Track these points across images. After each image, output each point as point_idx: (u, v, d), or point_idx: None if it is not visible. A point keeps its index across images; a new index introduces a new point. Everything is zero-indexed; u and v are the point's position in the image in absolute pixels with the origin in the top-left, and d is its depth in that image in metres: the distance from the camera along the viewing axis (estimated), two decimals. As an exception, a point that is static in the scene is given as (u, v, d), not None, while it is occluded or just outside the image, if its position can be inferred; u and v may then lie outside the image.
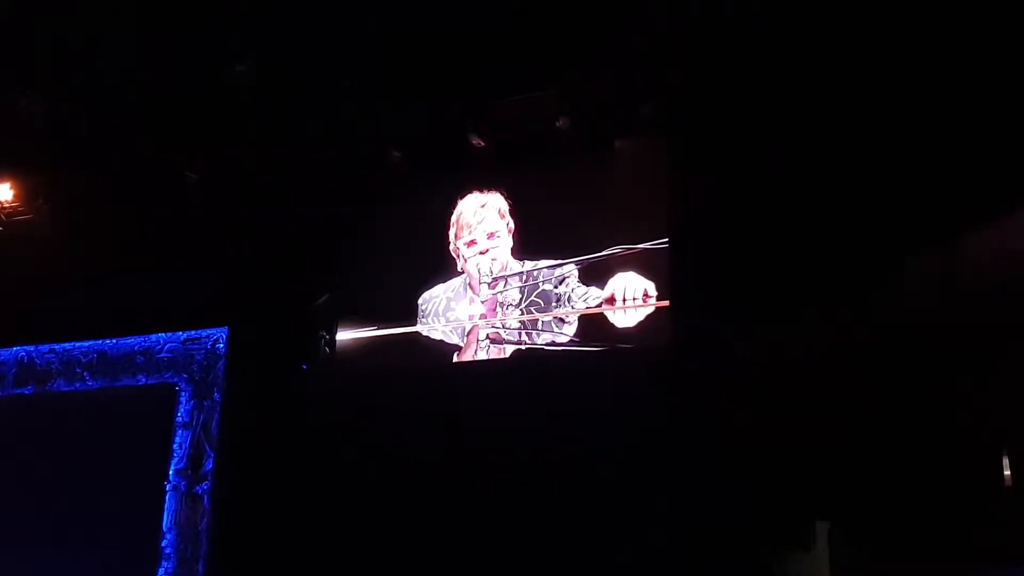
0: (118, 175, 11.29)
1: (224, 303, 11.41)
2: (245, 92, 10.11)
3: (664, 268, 9.68)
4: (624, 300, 9.75)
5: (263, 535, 10.51)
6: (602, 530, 9.20)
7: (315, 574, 10.30)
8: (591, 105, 10.00)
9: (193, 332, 11.65)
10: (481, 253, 10.58)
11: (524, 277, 10.34)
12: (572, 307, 9.98)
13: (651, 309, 9.67)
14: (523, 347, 10.25)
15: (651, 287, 9.69)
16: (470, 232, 10.67)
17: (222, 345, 11.45)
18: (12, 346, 12.50)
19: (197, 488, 11.10)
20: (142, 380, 11.81)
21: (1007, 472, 8.13)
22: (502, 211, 10.57)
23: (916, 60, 8.46)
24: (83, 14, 9.27)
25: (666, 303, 9.61)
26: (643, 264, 9.76)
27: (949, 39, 8.27)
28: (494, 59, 9.52)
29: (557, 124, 10.08)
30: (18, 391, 12.36)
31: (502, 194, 10.62)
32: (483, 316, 10.48)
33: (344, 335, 11.00)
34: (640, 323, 9.72)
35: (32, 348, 12.41)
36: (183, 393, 11.48)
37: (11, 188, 11.58)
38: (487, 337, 10.43)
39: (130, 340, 11.95)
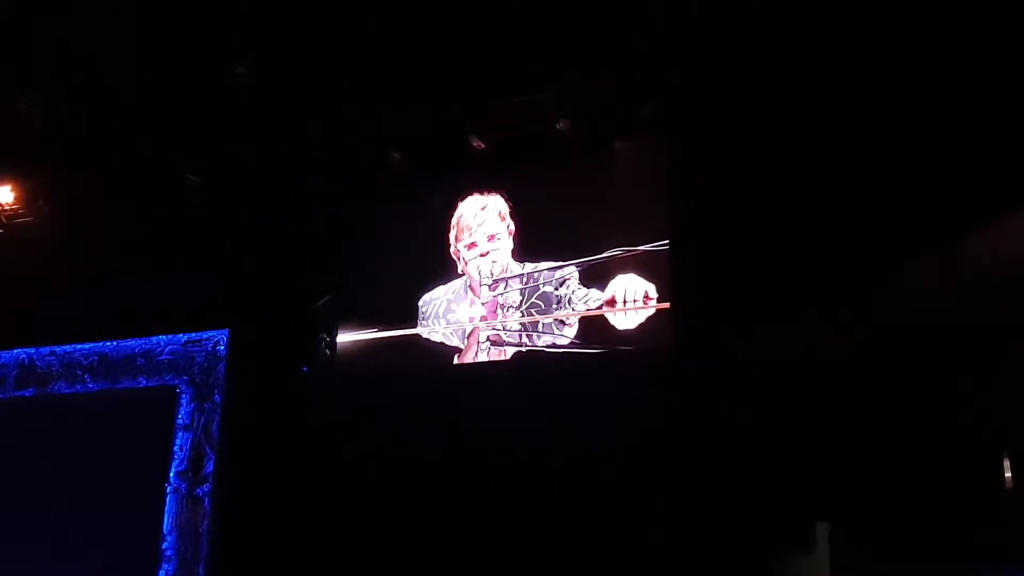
0: (118, 177, 11.31)
1: (225, 305, 11.41)
2: (245, 93, 10.10)
3: (664, 270, 9.68)
4: (624, 302, 9.74)
5: (264, 537, 10.49)
6: (603, 532, 9.18)
7: (315, 576, 10.31)
8: (591, 106, 10.02)
9: (194, 334, 11.65)
10: (481, 255, 10.58)
11: (524, 279, 10.33)
12: (573, 309, 9.97)
13: (651, 311, 9.66)
14: (523, 349, 10.24)
15: (651, 289, 9.69)
16: (470, 234, 10.67)
17: (223, 347, 11.45)
18: (13, 348, 12.52)
19: (198, 490, 11.10)
20: (143, 382, 11.82)
21: (1008, 473, 8.12)
22: (502, 213, 10.57)
23: (916, 60, 8.46)
24: (83, 15, 9.27)
25: (666, 305, 9.60)
26: (643, 266, 9.76)
27: (949, 39, 8.27)
28: (494, 60, 9.52)
29: (557, 126, 10.08)
30: (19, 393, 12.38)
31: (502, 196, 10.62)
32: (483, 318, 10.48)
33: (344, 337, 11.00)
34: (640, 325, 9.73)
35: (33, 350, 12.43)
36: (184, 395, 11.49)
37: (12, 190, 11.61)
38: (487, 339, 10.42)
39: (131, 342, 11.96)
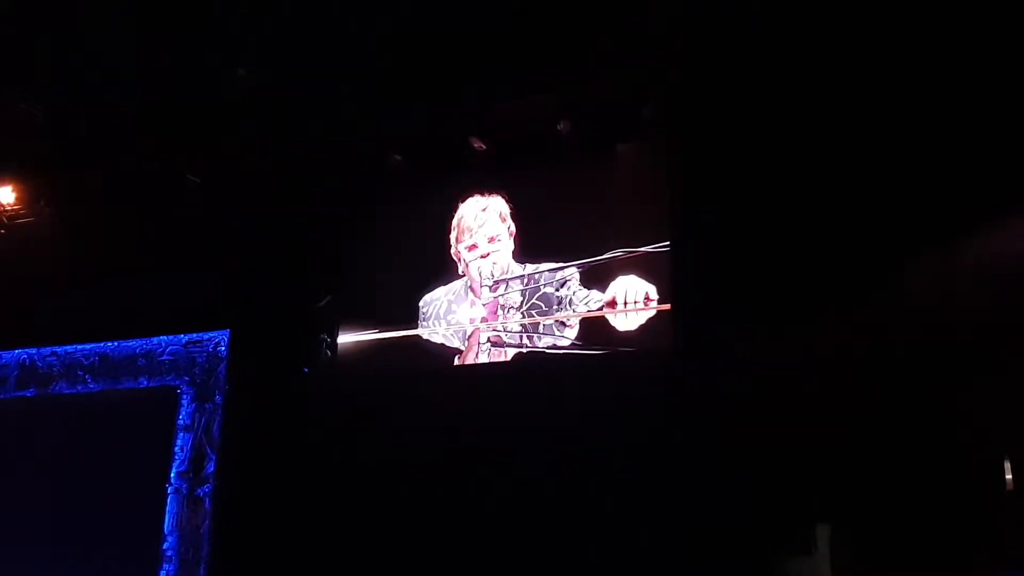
0: (119, 177, 11.32)
1: (226, 306, 11.42)
2: (246, 94, 10.11)
3: (665, 271, 9.67)
4: (625, 303, 9.73)
5: (264, 538, 10.49)
6: (604, 533, 9.18)
7: (316, 576, 10.31)
8: (592, 107, 10.00)
9: (195, 335, 11.66)
10: (482, 257, 10.57)
11: (525, 280, 10.32)
12: (573, 310, 9.96)
13: (652, 312, 9.66)
14: (524, 350, 10.23)
15: (652, 290, 9.67)
16: (471, 236, 10.66)
17: (224, 348, 11.46)
18: (14, 348, 12.52)
19: (198, 491, 11.10)
20: (144, 383, 11.82)
21: (1008, 475, 8.11)
22: (503, 214, 10.55)
23: (916, 61, 8.46)
24: (84, 16, 9.26)
25: (667, 306, 9.59)
26: (644, 267, 9.74)
27: (949, 39, 8.26)
28: (495, 61, 9.51)
29: (558, 127, 10.08)
30: (20, 394, 12.38)
31: (503, 197, 10.61)
32: (484, 319, 10.47)
33: (345, 338, 10.99)
34: (641, 326, 9.70)
35: (34, 351, 12.43)
36: (184, 396, 11.49)
37: (13, 191, 11.62)
38: (488, 340, 10.41)
39: (132, 343, 11.96)
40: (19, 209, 11.68)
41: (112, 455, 11.56)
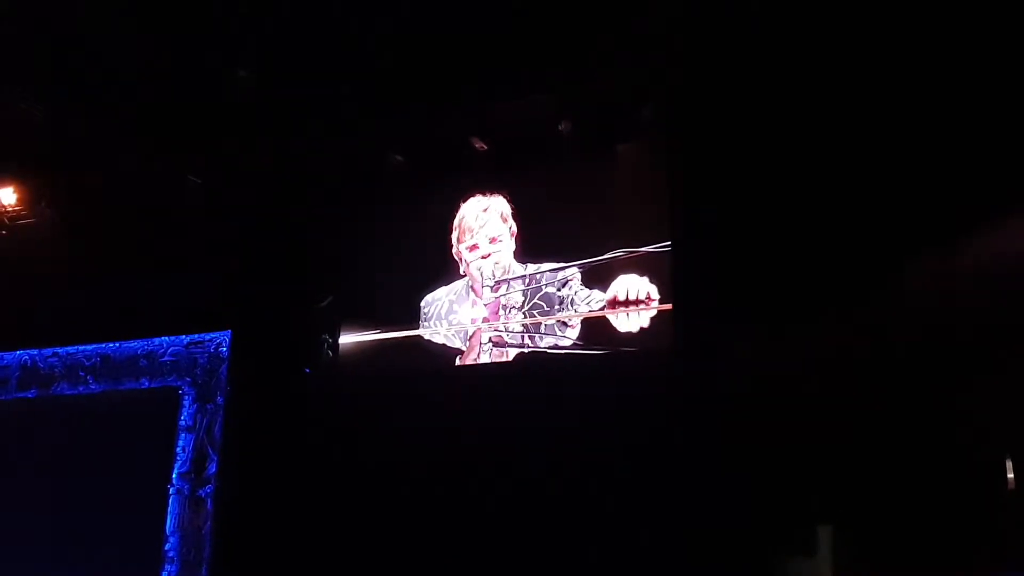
0: (120, 178, 11.32)
1: (227, 307, 11.42)
2: (247, 95, 10.11)
3: (666, 271, 9.66)
4: (627, 301, 9.71)
5: (266, 538, 10.48)
6: (605, 534, 9.17)
7: (318, 577, 10.31)
8: (592, 108, 9.99)
9: (196, 336, 11.66)
10: (483, 257, 10.56)
11: (527, 280, 10.32)
12: (575, 310, 9.95)
13: (654, 312, 9.64)
14: (526, 350, 10.22)
15: (653, 289, 9.66)
16: (472, 236, 10.66)
17: (225, 348, 11.46)
18: (15, 350, 12.53)
19: (200, 491, 11.10)
20: (145, 383, 11.83)
21: (1010, 475, 8.09)
22: (504, 215, 10.55)
23: (916, 61, 8.45)
24: (84, 16, 9.27)
25: (668, 306, 9.57)
26: (645, 267, 9.73)
27: (949, 39, 8.25)
28: (495, 61, 9.51)
29: (559, 127, 10.08)
30: (21, 395, 12.39)
31: (504, 197, 10.61)
32: (486, 319, 10.46)
33: (346, 338, 10.99)
34: (643, 326, 9.69)
35: (35, 352, 12.43)
36: (186, 396, 11.49)
37: (14, 192, 11.63)
38: (490, 340, 10.41)
39: (133, 344, 11.96)
40: (20, 210, 11.69)
41: (114, 456, 11.57)
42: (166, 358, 11.72)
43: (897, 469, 8.21)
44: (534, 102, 10.05)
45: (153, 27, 9.40)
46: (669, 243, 9.65)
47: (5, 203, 11.63)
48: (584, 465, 9.39)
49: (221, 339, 11.51)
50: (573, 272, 10.05)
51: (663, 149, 9.95)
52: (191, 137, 10.67)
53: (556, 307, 10.09)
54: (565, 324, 10.02)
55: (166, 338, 11.78)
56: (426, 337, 10.69)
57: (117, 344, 12.04)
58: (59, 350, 12.30)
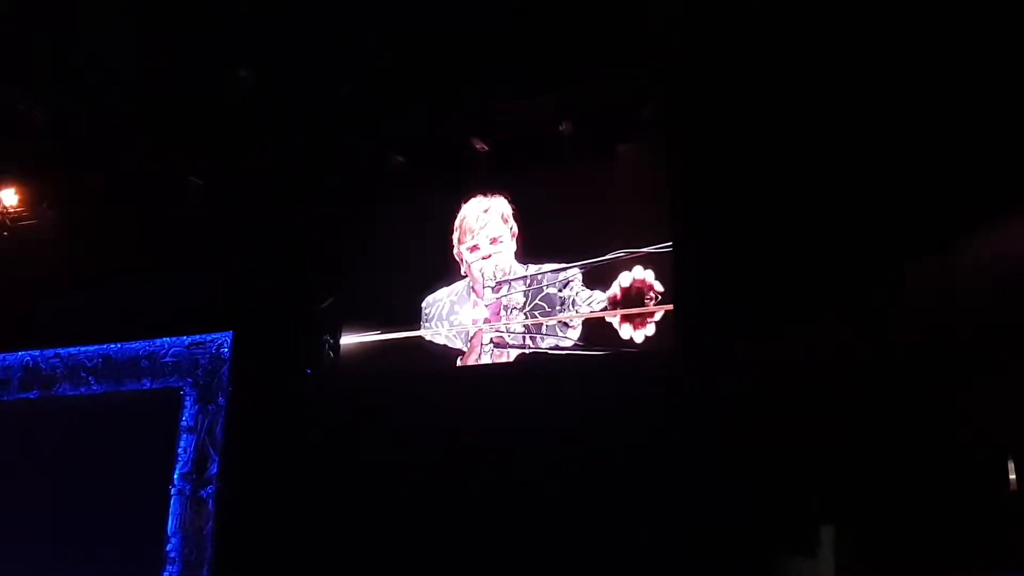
0: (121, 179, 11.32)
1: (228, 307, 11.41)
2: (248, 95, 10.12)
3: (667, 271, 9.65)
4: (631, 288, 9.69)
5: (268, 539, 10.48)
6: (606, 534, 9.17)
7: (319, 578, 10.30)
8: (593, 108, 10.00)
9: (198, 336, 11.64)
10: (484, 258, 10.56)
11: (528, 281, 10.31)
12: (576, 311, 9.95)
13: (658, 318, 9.63)
14: (527, 351, 10.22)
15: (657, 283, 9.65)
16: (473, 237, 10.66)
17: (227, 349, 11.45)
18: (17, 351, 12.52)
19: (202, 492, 11.09)
20: (147, 384, 11.82)
21: (1012, 475, 8.08)
22: (505, 215, 10.54)
23: (916, 61, 8.45)
24: (84, 16, 9.28)
25: (669, 306, 9.57)
26: (647, 267, 9.73)
27: (949, 40, 8.25)
28: (496, 62, 9.51)
29: (560, 128, 10.08)
30: (23, 395, 12.37)
31: (505, 197, 10.60)
32: (487, 320, 10.46)
33: (348, 339, 10.99)
34: (647, 336, 9.67)
35: (37, 353, 12.42)
36: (188, 397, 11.48)
37: (16, 193, 11.62)
38: (491, 341, 10.40)
39: (135, 344, 11.96)
40: (22, 211, 11.69)
41: (115, 457, 11.56)
42: (168, 359, 11.72)
43: (898, 469, 8.21)
44: (535, 102, 10.06)
45: (153, 27, 9.41)
46: (670, 243, 9.65)
47: (7, 204, 11.64)
48: (585, 465, 9.39)
49: (223, 340, 11.50)
50: (574, 273, 10.05)
51: (664, 149, 9.96)
52: (191, 137, 10.68)
53: (557, 308, 10.09)
54: (566, 325, 10.02)
55: (168, 339, 11.77)
56: (427, 338, 10.69)
57: (119, 345, 12.03)
58: (61, 351, 12.30)
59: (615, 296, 9.79)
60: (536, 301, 10.21)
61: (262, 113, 10.40)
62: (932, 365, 8.19)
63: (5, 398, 12.42)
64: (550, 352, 10.09)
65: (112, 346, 12.06)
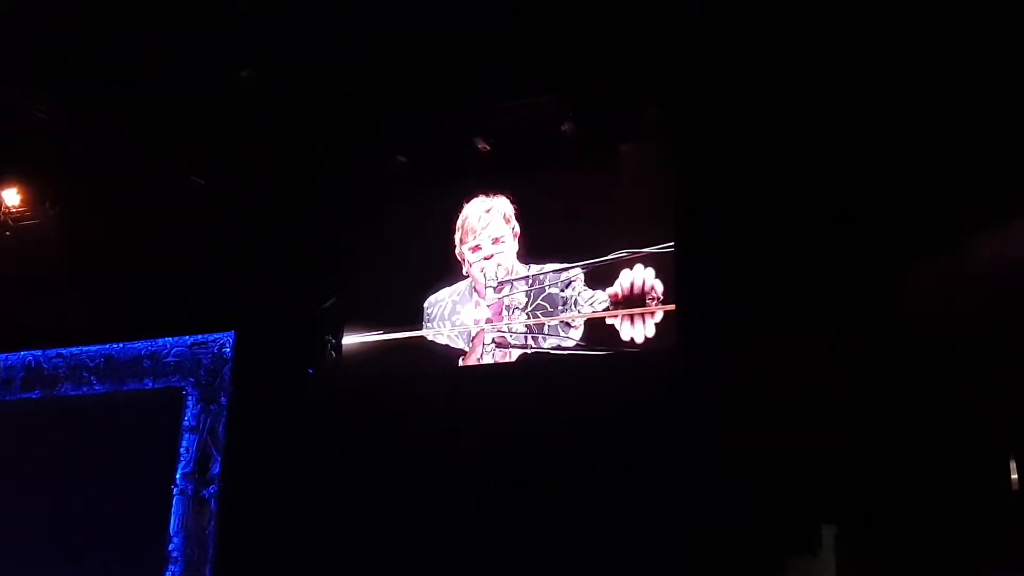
0: (123, 179, 11.32)
1: (230, 307, 11.41)
2: (250, 95, 10.12)
3: (669, 272, 9.64)
4: (631, 291, 9.68)
5: (270, 539, 10.49)
6: (607, 534, 9.17)
7: (321, 578, 10.31)
8: (595, 108, 9.99)
9: (200, 336, 11.64)
10: (486, 258, 10.55)
11: (530, 281, 10.31)
12: (578, 311, 9.94)
13: (659, 319, 9.62)
14: (529, 351, 10.21)
15: (659, 283, 9.64)
16: (475, 237, 10.65)
17: (229, 349, 11.45)
18: (19, 351, 12.53)
19: (204, 492, 11.10)
20: (149, 384, 11.82)
21: (1014, 475, 8.07)
22: (507, 215, 10.53)
23: (917, 61, 8.44)
24: (84, 16, 9.29)
25: (671, 307, 9.56)
26: (648, 267, 9.72)
27: (949, 40, 8.24)
28: (498, 62, 9.52)
29: (562, 128, 10.07)
30: (25, 395, 12.38)
31: (508, 197, 10.59)
32: (489, 320, 10.46)
33: (350, 339, 10.99)
34: (647, 336, 9.66)
35: (39, 353, 12.43)
36: (190, 397, 11.49)
37: (18, 193, 11.63)
38: (493, 341, 10.40)
39: (137, 344, 11.96)
40: (24, 211, 11.69)
41: (117, 456, 11.57)
42: (170, 359, 11.72)
43: (898, 469, 8.20)
44: (537, 102, 10.07)
45: (153, 27, 9.43)
46: (671, 243, 9.64)
47: (9, 204, 11.65)
48: (586, 465, 9.39)
49: (225, 340, 11.50)
50: (576, 273, 10.04)
51: (666, 149, 9.95)
52: (192, 137, 10.68)
53: (559, 308, 10.08)
54: (568, 325, 10.02)
55: (170, 339, 11.77)
56: (429, 338, 10.69)
57: (121, 345, 12.03)
58: (63, 351, 12.30)
59: (616, 296, 9.79)
60: (538, 301, 10.21)
61: (262, 113, 10.40)
62: (932, 365, 8.19)
63: (7, 398, 12.43)
64: (552, 352, 10.09)
65: (114, 346, 12.07)
